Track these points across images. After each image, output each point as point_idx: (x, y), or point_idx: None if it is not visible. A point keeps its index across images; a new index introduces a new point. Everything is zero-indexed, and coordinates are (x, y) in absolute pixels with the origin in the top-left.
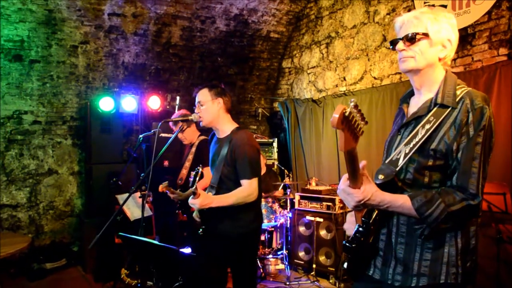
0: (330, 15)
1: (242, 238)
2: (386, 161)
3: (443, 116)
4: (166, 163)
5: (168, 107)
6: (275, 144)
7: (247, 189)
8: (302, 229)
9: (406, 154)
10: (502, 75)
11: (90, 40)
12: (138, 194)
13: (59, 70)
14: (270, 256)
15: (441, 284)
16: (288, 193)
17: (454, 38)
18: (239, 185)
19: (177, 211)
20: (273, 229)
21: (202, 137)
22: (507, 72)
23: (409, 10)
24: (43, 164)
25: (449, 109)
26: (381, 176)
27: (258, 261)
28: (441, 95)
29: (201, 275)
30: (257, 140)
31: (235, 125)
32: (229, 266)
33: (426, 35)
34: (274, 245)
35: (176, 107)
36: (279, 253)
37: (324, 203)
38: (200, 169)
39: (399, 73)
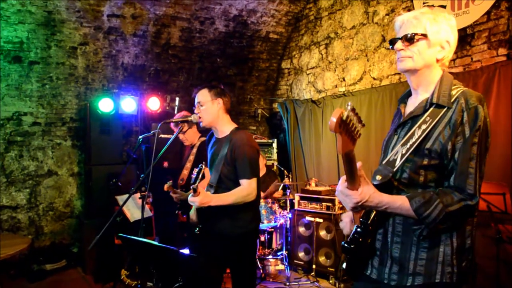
0: (329, 16)
1: (241, 238)
2: (384, 162)
3: (439, 116)
4: (166, 164)
5: (167, 108)
6: (274, 145)
7: (247, 188)
8: (301, 229)
9: (403, 155)
10: (502, 75)
11: (89, 42)
12: (138, 195)
13: (59, 71)
14: (270, 256)
15: (437, 283)
16: (288, 193)
17: (453, 39)
18: (238, 184)
19: (176, 212)
20: (273, 229)
21: (203, 138)
22: (506, 72)
23: (408, 11)
24: (42, 165)
25: (445, 109)
26: (378, 177)
27: (258, 262)
28: (437, 95)
29: (201, 275)
30: (257, 140)
31: (234, 126)
32: (229, 266)
33: (424, 35)
34: (274, 245)
35: (176, 108)
36: (279, 253)
37: (324, 204)
38: (203, 166)
39: (398, 73)
